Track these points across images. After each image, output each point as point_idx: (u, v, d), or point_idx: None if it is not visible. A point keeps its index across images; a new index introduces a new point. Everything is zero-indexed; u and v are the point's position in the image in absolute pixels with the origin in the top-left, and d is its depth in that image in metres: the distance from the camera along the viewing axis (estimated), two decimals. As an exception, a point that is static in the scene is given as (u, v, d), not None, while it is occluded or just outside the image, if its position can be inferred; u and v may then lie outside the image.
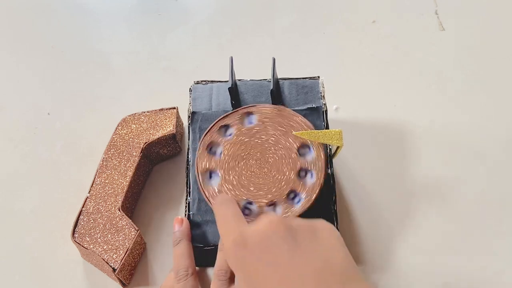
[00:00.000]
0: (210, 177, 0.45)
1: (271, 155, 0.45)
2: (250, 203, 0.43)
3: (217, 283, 0.40)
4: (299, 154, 0.45)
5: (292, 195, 0.44)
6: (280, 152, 0.45)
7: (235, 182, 0.44)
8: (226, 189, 0.44)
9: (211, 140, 0.46)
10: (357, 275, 0.31)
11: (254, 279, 0.32)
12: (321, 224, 0.34)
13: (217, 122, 0.46)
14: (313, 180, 0.43)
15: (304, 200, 0.43)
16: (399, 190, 0.51)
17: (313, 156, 0.45)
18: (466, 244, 0.48)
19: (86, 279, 0.47)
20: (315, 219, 0.35)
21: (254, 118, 0.46)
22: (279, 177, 0.44)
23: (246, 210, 0.43)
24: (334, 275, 0.30)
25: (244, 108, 0.47)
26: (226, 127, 0.46)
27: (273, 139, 0.45)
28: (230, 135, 0.46)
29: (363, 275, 0.31)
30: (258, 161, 0.45)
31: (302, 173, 0.44)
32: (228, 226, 0.36)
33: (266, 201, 0.43)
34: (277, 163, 0.44)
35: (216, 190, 0.44)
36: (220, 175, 0.44)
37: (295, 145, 0.45)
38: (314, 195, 0.43)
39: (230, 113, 0.47)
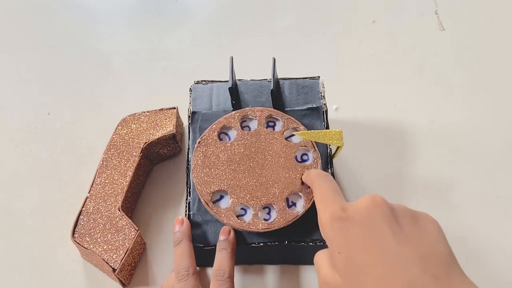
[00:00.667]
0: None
1: (269, 159, 0.45)
2: (246, 207, 0.44)
3: (216, 283, 0.40)
4: (299, 160, 0.45)
5: (290, 201, 0.44)
6: (280, 158, 0.45)
7: (232, 182, 0.44)
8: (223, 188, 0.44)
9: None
10: (460, 270, 0.30)
11: (353, 254, 0.31)
12: (424, 215, 0.33)
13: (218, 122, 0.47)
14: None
15: (302, 208, 0.43)
16: (399, 190, 0.51)
17: (311, 159, 0.45)
18: (466, 244, 0.48)
19: (86, 279, 0.47)
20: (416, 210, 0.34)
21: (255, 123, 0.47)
22: (278, 181, 0.44)
23: (241, 212, 0.44)
24: (439, 264, 0.29)
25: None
26: (227, 129, 0.47)
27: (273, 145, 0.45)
28: (230, 137, 0.46)
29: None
30: (258, 164, 0.45)
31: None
32: (327, 199, 0.35)
33: (262, 204, 0.43)
34: (276, 166, 0.44)
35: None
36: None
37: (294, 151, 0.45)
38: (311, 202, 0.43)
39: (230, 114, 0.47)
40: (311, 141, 0.45)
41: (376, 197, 0.33)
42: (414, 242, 0.30)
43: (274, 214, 0.43)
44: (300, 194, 0.44)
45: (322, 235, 0.34)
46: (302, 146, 0.45)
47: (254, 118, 0.47)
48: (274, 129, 0.47)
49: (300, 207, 0.43)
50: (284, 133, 0.46)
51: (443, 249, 0.30)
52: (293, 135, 0.46)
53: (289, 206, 0.44)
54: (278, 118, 0.47)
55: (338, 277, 0.31)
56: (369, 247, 0.30)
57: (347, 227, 0.32)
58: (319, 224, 0.35)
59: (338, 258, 0.31)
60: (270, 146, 0.45)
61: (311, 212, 0.43)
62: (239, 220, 0.43)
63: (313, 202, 0.43)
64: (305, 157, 0.45)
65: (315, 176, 0.41)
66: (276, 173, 0.44)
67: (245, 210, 0.44)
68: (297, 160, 0.45)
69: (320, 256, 0.35)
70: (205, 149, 0.45)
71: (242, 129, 0.46)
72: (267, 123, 0.47)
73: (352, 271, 0.30)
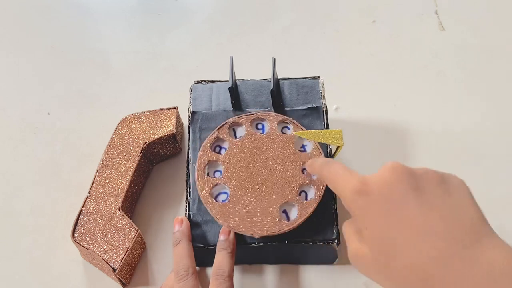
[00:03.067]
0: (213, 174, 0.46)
1: (275, 166, 0.45)
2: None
3: (216, 283, 0.40)
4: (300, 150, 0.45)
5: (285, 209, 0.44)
6: (284, 167, 0.45)
7: (234, 182, 0.44)
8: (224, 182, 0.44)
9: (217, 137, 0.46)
10: (490, 231, 0.29)
11: (379, 229, 0.30)
12: (451, 177, 0.32)
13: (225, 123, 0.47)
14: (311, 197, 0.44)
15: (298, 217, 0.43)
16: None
17: (311, 148, 0.45)
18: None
19: (86, 279, 0.47)
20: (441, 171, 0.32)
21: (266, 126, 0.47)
22: (277, 186, 0.44)
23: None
24: (467, 231, 0.28)
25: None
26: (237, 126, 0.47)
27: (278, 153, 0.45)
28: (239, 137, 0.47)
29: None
30: (262, 166, 0.45)
31: (302, 193, 0.44)
32: (343, 177, 0.34)
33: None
34: (279, 175, 0.44)
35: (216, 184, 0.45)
36: (222, 171, 0.45)
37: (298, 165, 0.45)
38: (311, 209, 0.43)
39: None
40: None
41: (396, 165, 0.32)
42: (440, 210, 0.29)
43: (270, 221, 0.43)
44: (294, 203, 0.43)
45: (349, 210, 0.33)
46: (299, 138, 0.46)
47: (242, 124, 0.47)
48: (263, 131, 0.47)
49: (295, 215, 0.43)
50: (276, 128, 0.46)
51: (470, 213, 0.29)
52: (287, 127, 0.46)
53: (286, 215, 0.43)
54: (264, 118, 0.47)
55: (367, 251, 0.31)
56: (393, 221, 0.30)
57: (370, 202, 0.31)
58: (343, 202, 0.34)
59: (365, 233, 0.31)
60: (266, 148, 0.45)
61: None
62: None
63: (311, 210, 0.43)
64: (303, 149, 0.46)
65: (322, 162, 0.39)
66: (276, 175, 0.44)
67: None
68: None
69: (348, 227, 0.34)
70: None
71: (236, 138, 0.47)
72: (256, 126, 0.47)
73: (379, 245, 0.30)
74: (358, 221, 0.32)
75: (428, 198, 0.30)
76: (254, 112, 0.47)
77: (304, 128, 0.46)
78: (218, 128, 0.47)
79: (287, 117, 0.47)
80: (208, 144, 0.46)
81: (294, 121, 0.47)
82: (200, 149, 0.46)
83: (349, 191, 0.33)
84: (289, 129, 0.47)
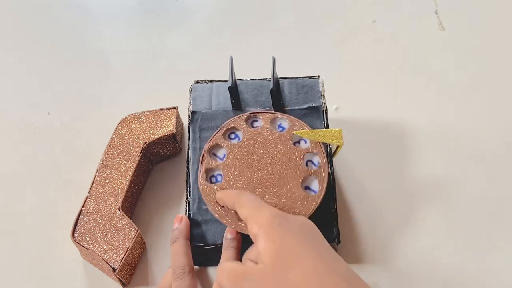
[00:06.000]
0: (211, 180, 0.45)
1: (275, 165, 0.45)
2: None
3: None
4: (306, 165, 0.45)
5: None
6: (285, 167, 0.45)
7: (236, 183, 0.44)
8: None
9: (215, 143, 0.46)
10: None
11: (289, 244, 0.34)
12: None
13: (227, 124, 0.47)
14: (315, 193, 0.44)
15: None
16: (399, 190, 0.51)
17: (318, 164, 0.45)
18: (466, 243, 0.48)
19: (86, 279, 0.47)
20: None
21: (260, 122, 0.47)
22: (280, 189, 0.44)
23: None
24: (354, 276, 0.34)
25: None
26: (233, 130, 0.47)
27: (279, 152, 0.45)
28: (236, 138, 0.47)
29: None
30: (262, 166, 0.45)
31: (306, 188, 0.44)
32: (261, 207, 0.38)
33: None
34: (281, 175, 0.44)
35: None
36: (222, 176, 0.45)
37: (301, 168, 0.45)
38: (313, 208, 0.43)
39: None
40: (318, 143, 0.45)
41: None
42: (339, 260, 0.35)
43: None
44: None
45: (254, 231, 0.36)
46: (308, 151, 0.45)
47: (237, 127, 0.47)
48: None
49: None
50: (280, 131, 0.46)
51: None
52: (301, 140, 0.45)
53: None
54: (259, 117, 0.47)
55: (260, 265, 0.34)
56: (306, 242, 0.34)
57: (287, 225, 0.35)
58: (251, 227, 0.36)
59: (271, 245, 0.34)
60: (267, 146, 0.45)
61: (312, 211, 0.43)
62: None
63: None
64: (311, 163, 0.45)
65: (237, 193, 0.41)
66: (276, 175, 0.44)
67: None
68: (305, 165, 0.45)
69: (224, 264, 0.37)
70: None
71: (230, 140, 0.47)
72: (251, 123, 0.47)
73: (283, 256, 0.33)
74: (265, 237, 0.35)
75: (328, 249, 0.36)
76: (247, 113, 0.47)
77: (301, 122, 0.46)
78: (214, 135, 0.46)
79: (281, 113, 0.47)
80: (206, 152, 0.46)
81: (290, 116, 0.47)
82: (201, 162, 0.46)
83: (269, 214, 0.36)
84: (284, 128, 0.47)
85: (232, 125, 0.47)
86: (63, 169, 0.54)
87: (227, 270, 0.36)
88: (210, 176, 0.45)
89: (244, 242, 0.43)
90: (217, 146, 0.46)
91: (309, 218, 0.42)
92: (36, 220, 0.51)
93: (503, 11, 0.64)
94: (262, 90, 0.49)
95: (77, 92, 0.59)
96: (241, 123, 0.46)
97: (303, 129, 0.45)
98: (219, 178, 0.45)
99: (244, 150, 0.45)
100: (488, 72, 0.59)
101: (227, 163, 0.45)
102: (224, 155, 0.46)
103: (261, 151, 0.45)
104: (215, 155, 0.46)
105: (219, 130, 0.46)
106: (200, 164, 0.45)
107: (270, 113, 0.47)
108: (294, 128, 0.46)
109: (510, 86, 0.57)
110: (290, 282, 0.32)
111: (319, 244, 0.35)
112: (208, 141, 0.46)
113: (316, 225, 0.41)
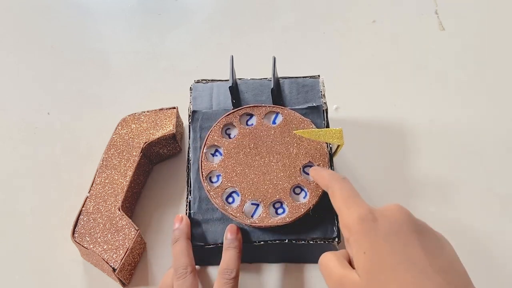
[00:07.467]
0: (213, 154, 0.46)
1: (270, 154, 0.45)
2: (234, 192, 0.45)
3: (222, 281, 0.40)
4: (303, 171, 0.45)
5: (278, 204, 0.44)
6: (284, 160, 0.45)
7: (236, 169, 0.45)
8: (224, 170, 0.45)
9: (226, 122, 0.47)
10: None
11: (381, 256, 0.32)
12: (442, 235, 0.35)
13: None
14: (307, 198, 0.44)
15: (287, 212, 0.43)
16: (399, 189, 0.51)
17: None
18: (466, 243, 0.48)
19: (86, 279, 0.47)
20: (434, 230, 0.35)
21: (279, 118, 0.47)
22: (275, 181, 0.44)
23: (229, 198, 0.44)
24: (459, 279, 0.31)
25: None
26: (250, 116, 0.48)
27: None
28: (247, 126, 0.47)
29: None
30: (260, 160, 0.45)
31: (297, 189, 0.45)
32: (352, 201, 0.36)
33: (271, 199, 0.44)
34: (277, 169, 0.45)
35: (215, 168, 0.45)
36: (223, 154, 0.46)
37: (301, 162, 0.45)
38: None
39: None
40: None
41: (402, 207, 0.34)
42: (438, 256, 0.32)
43: (284, 209, 0.43)
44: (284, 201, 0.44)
45: (346, 234, 0.35)
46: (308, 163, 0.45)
47: (233, 123, 0.47)
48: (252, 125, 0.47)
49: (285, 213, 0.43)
50: (299, 161, 0.46)
51: (461, 267, 0.32)
52: (310, 165, 0.45)
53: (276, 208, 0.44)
54: (252, 112, 0.48)
55: (356, 276, 0.32)
56: (398, 252, 0.31)
57: (376, 230, 0.33)
58: (341, 225, 0.35)
59: (362, 258, 0.32)
60: (269, 140, 0.46)
61: (312, 210, 0.43)
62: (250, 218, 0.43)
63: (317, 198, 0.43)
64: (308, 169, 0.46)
65: (331, 178, 0.40)
66: (278, 168, 0.45)
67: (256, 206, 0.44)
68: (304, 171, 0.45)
69: (328, 258, 0.35)
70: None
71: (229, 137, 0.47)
72: (246, 122, 0.48)
73: (376, 271, 0.31)
74: (356, 246, 0.33)
75: (429, 245, 0.32)
76: (242, 108, 0.48)
77: (296, 112, 0.47)
78: (211, 131, 0.47)
79: (276, 106, 0.47)
80: (205, 151, 0.46)
81: (285, 108, 0.47)
82: (201, 156, 0.46)
83: (357, 216, 0.34)
84: (278, 117, 0.47)
85: (227, 121, 0.47)
86: (63, 169, 0.54)
87: (328, 270, 0.34)
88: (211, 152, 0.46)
89: (244, 242, 0.43)
90: (215, 143, 0.47)
91: (305, 221, 0.43)
92: (36, 220, 0.51)
93: (503, 11, 0.64)
94: (262, 90, 0.49)
95: (77, 92, 0.59)
96: (237, 119, 0.47)
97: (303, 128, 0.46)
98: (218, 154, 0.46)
99: (242, 148, 0.46)
100: (488, 72, 0.59)
101: (224, 163, 0.46)
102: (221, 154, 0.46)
103: (259, 147, 0.46)
104: (213, 154, 0.47)
105: (215, 126, 0.47)
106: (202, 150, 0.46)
107: (266, 107, 0.48)
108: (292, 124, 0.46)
109: (510, 86, 0.57)
110: None
111: (413, 245, 0.32)
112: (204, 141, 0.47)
113: (317, 224, 0.41)
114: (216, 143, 0.46)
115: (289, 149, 0.45)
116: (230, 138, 0.47)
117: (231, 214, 0.43)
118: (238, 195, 0.44)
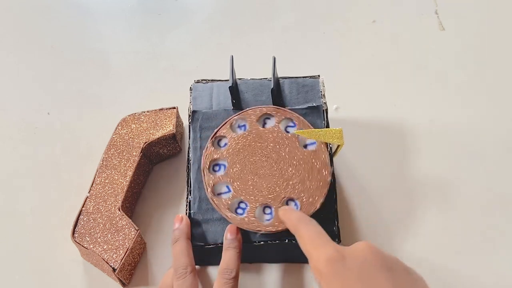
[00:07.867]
0: (214, 169, 0.45)
1: (272, 156, 0.45)
2: (242, 202, 0.44)
3: (221, 281, 0.40)
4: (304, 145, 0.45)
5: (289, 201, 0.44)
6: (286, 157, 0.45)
7: (237, 175, 0.45)
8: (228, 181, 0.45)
9: (221, 134, 0.47)
10: None
11: None
12: (413, 270, 0.35)
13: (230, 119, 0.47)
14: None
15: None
16: (399, 189, 0.51)
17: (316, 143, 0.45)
18: (466, 243, 0.48)
19: (86, 279, 0.47)
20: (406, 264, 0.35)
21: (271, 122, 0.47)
22: (281, 181, 0.44)
23: (238, 210, 0.44)
24: None
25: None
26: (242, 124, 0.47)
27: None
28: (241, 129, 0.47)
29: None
30: (265, 159, 0.45)
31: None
32: (318, 243, 0.36)
33: (260, 203, 0.44)
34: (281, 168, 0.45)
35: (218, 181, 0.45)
36: (226, 165, 0.45)
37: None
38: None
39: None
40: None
41: (371, 245, 0.34)
42: None
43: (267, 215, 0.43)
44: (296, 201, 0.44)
45: (317, 278, 0.34)
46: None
47: (245, 123, 0.47)
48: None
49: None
50: (280, 125, 0.46)
51: None
52: (291, 125, 0.46)
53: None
54: (271, 114, 0.47)
55: None
56: None
57: (346, 270, 0.33)
58: (312, 269, 0.35)
59: None
60: (271, 143, 0.46)
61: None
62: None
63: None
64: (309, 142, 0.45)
65: (298, 219, 0.39)
66: (280, 170, 0.45)
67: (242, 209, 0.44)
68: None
69: None
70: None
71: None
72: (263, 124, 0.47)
73: None
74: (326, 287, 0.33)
75: (400, 282, 0.32)
76: (258, 107, 0.48)
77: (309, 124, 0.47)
78: (222, 125, 0.47)
79: (291, 112, 0.47)
80: (210, 141, 0.46)
81: (299, 116, 0.47)
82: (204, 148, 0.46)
83: (325, 258, 0.34)
84: (293, 126, 0.47)
85: (240, 117, 0.47)
86: (63, 169, 0.54)
87: None
88: (213, 165, 0.46)
89: (244, 242, 0.43)
90: (221, 135, 0.47)
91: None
92: (36, 220, 0.51)
93: (503, 11, 0.64)
94: (262, 90, 0.49)
95: (77, 92, 0.59)
96: (251, 118, 0.47)
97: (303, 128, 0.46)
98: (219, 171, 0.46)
99: (247, 146, 0.46)
100: (488, 72, 0.59)
101: (228, 153, 0.46)
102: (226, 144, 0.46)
103: (263, 150, 0.46)
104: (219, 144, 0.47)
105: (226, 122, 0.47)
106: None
107: (284, 110, 0.47)
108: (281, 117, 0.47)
109: (510, 86, 0.57)
110: None
111: (383, 283, 0.32)
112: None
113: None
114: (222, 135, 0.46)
115: (288, 163, 0.45)
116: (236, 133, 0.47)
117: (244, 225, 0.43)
118: (247, 205, 0.44)
